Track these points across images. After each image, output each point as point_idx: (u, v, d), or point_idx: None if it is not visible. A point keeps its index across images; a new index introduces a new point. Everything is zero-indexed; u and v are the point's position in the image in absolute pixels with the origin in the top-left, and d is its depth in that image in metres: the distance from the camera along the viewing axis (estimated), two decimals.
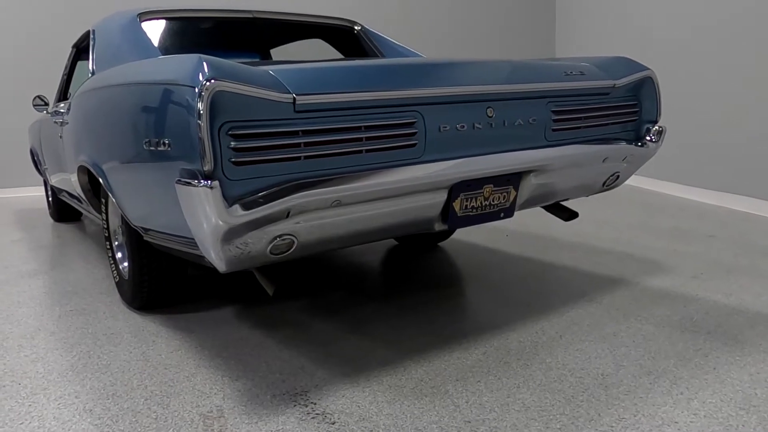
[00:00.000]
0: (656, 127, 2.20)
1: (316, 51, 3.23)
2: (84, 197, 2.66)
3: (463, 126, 1.71)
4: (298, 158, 1.44)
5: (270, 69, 1.48)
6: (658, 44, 4.72)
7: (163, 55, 2.09)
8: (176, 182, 1.41)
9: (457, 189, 1.76)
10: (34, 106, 3.48)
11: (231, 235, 1.39)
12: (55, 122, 2.97)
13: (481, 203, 1.86)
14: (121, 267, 2.32)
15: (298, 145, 1.43)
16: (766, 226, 3.33)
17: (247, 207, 1.35)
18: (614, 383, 1.57)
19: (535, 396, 1.51)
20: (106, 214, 2.38)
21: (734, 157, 3.91)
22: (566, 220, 2.43)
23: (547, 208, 2.43)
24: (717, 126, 4.07)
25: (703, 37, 4.19)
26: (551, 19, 6.79)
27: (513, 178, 1.90)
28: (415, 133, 1.63)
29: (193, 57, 1.42)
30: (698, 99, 4.25)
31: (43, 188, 5.06)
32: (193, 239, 1.52)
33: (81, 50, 3.27)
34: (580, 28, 6.13)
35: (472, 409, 1.46)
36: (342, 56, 3.21)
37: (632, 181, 4.93)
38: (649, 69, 2.21)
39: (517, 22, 6.84)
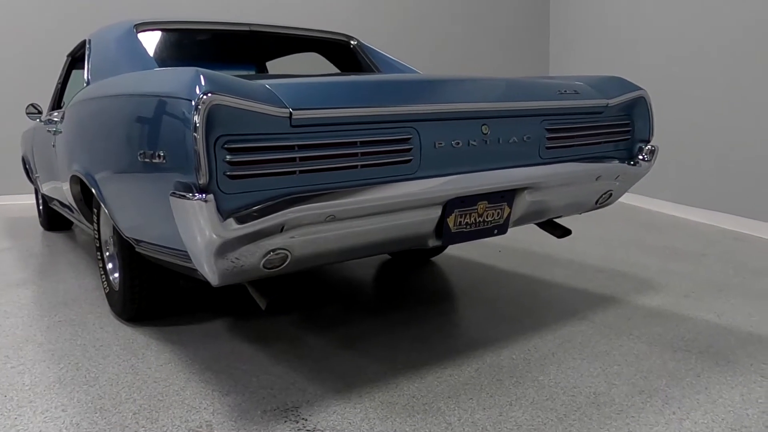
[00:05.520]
0: (649, 146, 2.22)
1: (311, 65, 3.25)
2: (75, 207, 2.64)
3: (458, 143, 1.72)
4: (294, 172, 1.44)
5: (266, 83, 1.49)
6: (650, 64, 4.77)
7: (159, 66, 2.09)
8: (170, 195, 1.41)
9: (451, 205, 1.77)
10: (27, 114, 3.47)
11: (225, 248, 1.38)
12: (48, 131, 2.96)
13: (475, 220, 1.86)
14: (111, 278, 2.30)
15: (293, 159, 1.43)
16: (757, 245, 3.35)
17: (241, 221, 1.35)
18: (606, 402, 1.56)
19: (528, 414, 1.51)
20: (98, 224, 2.37)
21: (726, 176, 3.95)
22: (559, 237, 2.44)
23: (541, 225, 2.43)
24: (709, 145, 4.11)
25: (695, 57, 4.24)
26: (545, 37, 6.86)
27: (507, 195, 1.90)
28: (411, 149, 1.63)
29: (189, 70, 1.42)
30: (690, 119, 4.30)
31: (34, 196, 5.03)
32: (185, 252, 1.51)
33: (76, 59, 3.27)
34: (573, 47, 6.20)
35: (465, 427, 1.45)
36: (338, 70, 3.22)
37: (624, 198, 4.96)
38: (642, 89, 2.24)
39: (512, 40, 6.91)
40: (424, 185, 1.64)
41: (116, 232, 2.09)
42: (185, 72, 1.43)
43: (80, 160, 2.23)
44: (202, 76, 1.36)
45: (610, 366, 1.78)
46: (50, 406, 1.60)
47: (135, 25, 2.44)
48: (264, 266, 1.52)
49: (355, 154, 1.53)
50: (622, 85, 2.22)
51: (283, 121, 1.42)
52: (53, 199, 3.38)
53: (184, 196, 1.35)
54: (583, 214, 4.05)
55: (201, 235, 1.36)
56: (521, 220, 2.08)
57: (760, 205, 3.63)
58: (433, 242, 1.87)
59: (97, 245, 2.39)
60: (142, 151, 1.58)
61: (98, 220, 2.37)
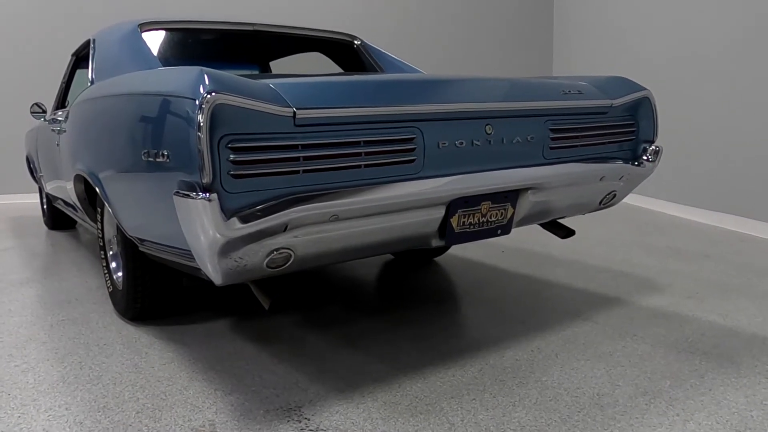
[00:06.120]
0: (653, 147, 2.21)
1: (315, 65, 3.25)
2: (79, 206, 2.65)
3: (462, 143, 1.72)
4: (297, 172, 1.44)
5: (270, 82, 1.49)
6: (654, 64, 4.76)
7: (163, 66, 2.09)
8: (174, 194, 1.41)
9: (454, 205, 1.76)
10: (31, 113, 3.48)
11: (228, 248, 1.38)
12: (53, 130, 2.97)
13: (478, 220, 1.86)
14: (115, 277, 2.30)
15: (297, 158, 1.43)
16: (761, 246, 3.34)
17: (245, 220, 1.35)
18: (610, 403, 1.56)
19: (531, 415, 1.50)
20: (102, 223, 2.37)
21: (729, 177, 3.94)
22: (563, 237, 2.43)
23: (544, 226, 2.43)
24: (711, 146, 4.10)
25: (698, 58, 4.23)
26: (548, 37, 6.85)
27: (511, 196, 1.90)
28: (414, 149, 1.63)
29: (194, 69, 1.42)
30: (694, 118, 4.28)
31: (38, 195, 5.04)
32: (189, 251, 1.51)
33: (80, 59, 3.27)
34: (577, 47, 6.19)
35: (468, 428, 1.45)
36: (342, 70, 3.22)
37: (627, 199, 4.95)
38: (646, 89, 2.23)
39: (515, 40, 6.90)
40: (428, 185, 1.64)
41: (120, 231, 2.10)
42: (189, 71, 1.43)
43: (84, 159, 2.23)
44: (206, 76, 1.36)
45: (614, 367, 1.78)
46: (54, 404, 1.60)
47: (139, 24, 2.44)
48: (267, 266, 1.52)
49: (359, 154, 1.53)
50: (626, 85, 2.22)
51: (287, 120, 1.42)
52: (57, 198, 3.39)
53: (187, 195, 1.36)
54: (586, 215, 4.05)
55: (204, 234, 1.36)
56: (525, 221, 2.07)
57: (764, 205, 3.62)
58: (436, 242, 1.86)
59: (101, 244, 2.39)
60: (145, 151, 1.58)
61: (102, 219, 2.37)
